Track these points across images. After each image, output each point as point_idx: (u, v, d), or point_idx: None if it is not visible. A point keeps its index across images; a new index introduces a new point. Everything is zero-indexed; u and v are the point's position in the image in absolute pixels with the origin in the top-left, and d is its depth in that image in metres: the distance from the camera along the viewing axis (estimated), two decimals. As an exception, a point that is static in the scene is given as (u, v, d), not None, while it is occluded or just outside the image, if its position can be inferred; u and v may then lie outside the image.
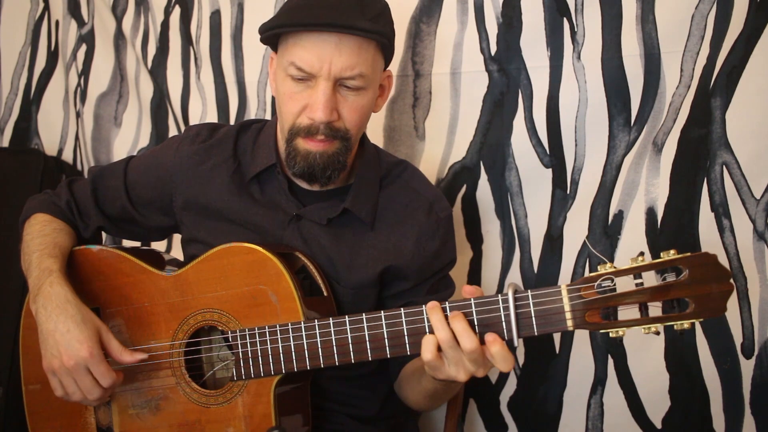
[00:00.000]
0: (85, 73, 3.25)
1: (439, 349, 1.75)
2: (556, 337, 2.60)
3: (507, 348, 1.71)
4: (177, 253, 2.53)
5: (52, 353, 1.94)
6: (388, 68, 2.15)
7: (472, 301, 1.73)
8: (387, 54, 2.08)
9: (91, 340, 1.92)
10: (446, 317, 1.74)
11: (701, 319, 1.56)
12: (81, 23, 3.26)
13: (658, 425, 2.49)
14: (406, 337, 1.81)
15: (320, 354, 1.90)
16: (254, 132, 2.25)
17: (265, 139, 2.19)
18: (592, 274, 1.63)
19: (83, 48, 3.26)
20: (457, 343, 1.72)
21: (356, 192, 2.12)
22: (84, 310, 1.96)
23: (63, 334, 1.92)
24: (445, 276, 2.24)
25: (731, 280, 1.55)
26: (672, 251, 1.56)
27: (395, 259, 2.11)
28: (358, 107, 2.02)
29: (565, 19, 2.53)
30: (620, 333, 1.62)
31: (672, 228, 2.45)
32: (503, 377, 2.68)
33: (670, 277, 1.57)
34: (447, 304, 1.77)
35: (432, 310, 1.75)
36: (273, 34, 2.00)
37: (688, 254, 1.56)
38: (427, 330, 1.78)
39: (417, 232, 2.13)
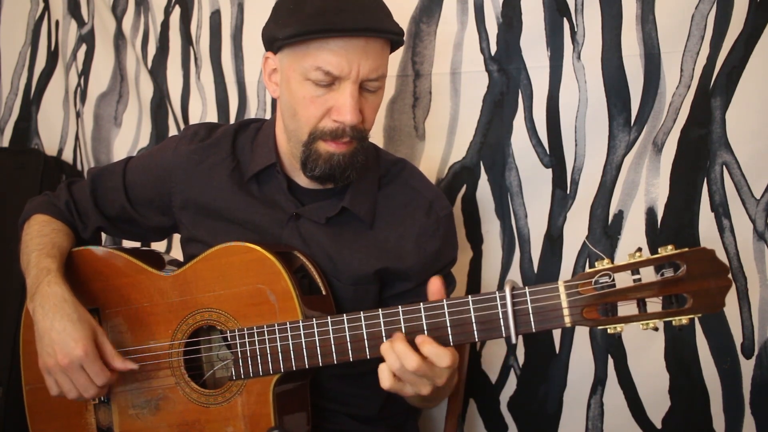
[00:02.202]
0: (85, 73, 3.26)
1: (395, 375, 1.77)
2: (556, 337, 2.60)
3: (438, 345, 1.73)
4: (177, 253, 2.53)
5: (47, 352, 1.94)
6: None
7: (470, 299, 1.74)
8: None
9: (86, 339, 1.92)
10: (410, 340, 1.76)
11: (699, 315, 1.56)
12: (81, 23, 3.27)
13: (658, 425, 2.49)
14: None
15: (318, 353, 1.90)
16: (252, 131, 2.25)
17: (264, 138, 2.19)
18: (589, 271, 1.63)
19: (83, 48, 3.27)
20: (405, 368, 1.74)
21: (355, 190, 2.12)
22: (80, 309, 1.97)
23: (59, 332, 1.92)
24: (447, 274, 2.23)
25: (729, 276, 1.55)
26: (670, 247, 1.56)
27: (396, 260, 2.11)
28: (376, 106, 2.05)
29: (565, 19, 2.53)
30: (618, 329, 1.62)
31: (672, 228, 2.44)
32: (503, 377, 2.68)
33: (668, 273, 1.57)
34: (446, 309, 1.77)
35: (383, 344, 1.78)
36: (303, 40, 1.94)
37: (686, 249, 1.56)
38: (426, 334, 1.79)
39: (417, 231, 2.13)
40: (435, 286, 1.82)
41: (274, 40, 2.00)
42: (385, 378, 1.77)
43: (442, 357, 1.72)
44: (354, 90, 1.94)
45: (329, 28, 1.90)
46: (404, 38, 2.07)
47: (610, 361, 2.53)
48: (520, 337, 1.72)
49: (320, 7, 1.92)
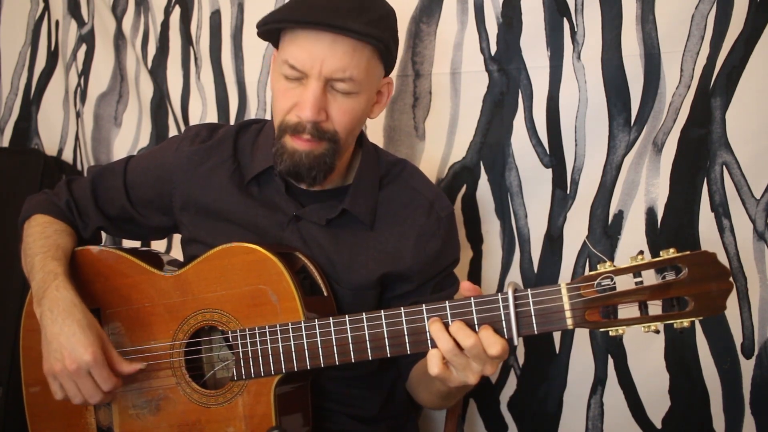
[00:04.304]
0: (85, 73, 3.26)
1: (444, 360, 1.75)
2: (556, 337, 2.60)
3: (495, 333, 1.71)
4: (177, 253, 2.53)
5: (55, 356, 1.93)
6: (389, 75, 2.13)
7: (472, 301, 1.73)
8: (386, 60, 2.06)
9: (95, 345, 1.91)
10: (446, 325, 1.75)
11: (701, 318, 1.56)
12: (81, 23, 3.27)
13: (658, 425, 2.49)
14: (406, 337, 1.80)
15: (320, 353, 1.89)
16: (253, 133, 2.24)
17: (264, 140, 2.19)
18: (591, 273, 1.63)
19: (83, 48, 3.26)
20: (459, 349, 1.72)
21: (355, 192, 2.12)
22: (89, 315, 1.97)
23: (68, 337, 1.92)
24: (450, 274, 2.23)
25: (730, 279, 1.55)
26: (671, 250, 1.56)
27: (396, 262, 2.10)
28: (348, 110, 2.00)
29: (565, 19, 2.53)
30: (620, 331, 1.62)
31: (672, 228, 2.45)
32: (503, 377, 2.68)
33: (670, 276, 1.57)
34: (448, 308, 1.76)
35: (432, 325, 1.75)
36: (267, 30, 2.00)
37: (688, 253, 1.56)
38: (428, 335, 1.78)
39: (417, 232, 2.13)
40: (466, 285, 1.79)
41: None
42: (434, 364, 1.75)
43: (492, 344, 1.69)
44: (316, 87, 1.93)
45: (291, 18, 1.93)
46: (394, 46, 2.05)
47: (610, 361, 2.53)
48: (521, 337, 1.71)
49: (299, 1, 1.96)
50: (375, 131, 2.77)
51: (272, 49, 2.09)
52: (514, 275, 2.65)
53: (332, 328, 1.88)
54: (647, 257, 1.59)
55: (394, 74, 2.69)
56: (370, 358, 1.85)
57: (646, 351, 2.48)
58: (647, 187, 2.48)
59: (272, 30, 2.01)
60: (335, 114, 1.98)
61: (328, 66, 1.92)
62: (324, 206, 2.11)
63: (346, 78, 1.94)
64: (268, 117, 2.92)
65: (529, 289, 1.69)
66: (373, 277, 2.09)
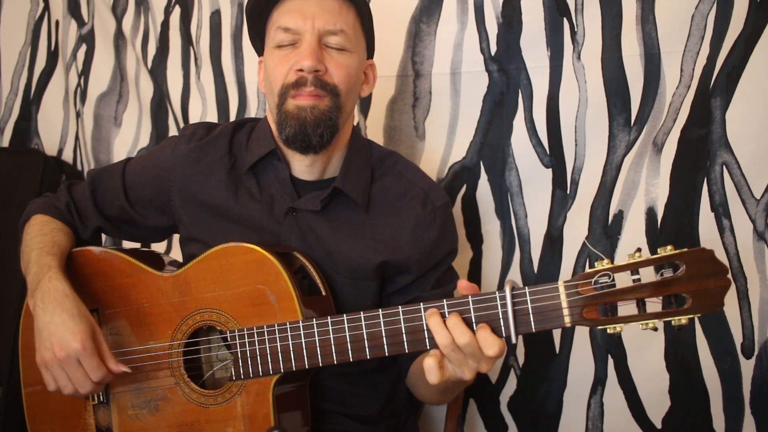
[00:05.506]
0: (85, 73, 3.25)
1: (440, 363, 1.76)
2: (557, 337, 2.60)
3: (493, 333, 1.71)
4: (177, 253, 2.53)
5: (45, 345, 1.94)
6: (371, 58, 2.24)
7: (470, 299, 1.73)
8: (368, 35, 2.19)
9: (84, 333, 1.92)
10: (443, 316, 1.75)
11: (699, 315, 1.56)
12: (81, 23, 3.26)
13: (658, 425, 2.49)
14: (404, 335, 1.80)
15: (318, 353, 1.90)
16: (248, 129, 2.27)
17: (260, 132, 2.21)
18: (589, 271, 1.63)
19: (83, 48, 3.26)
20: (457, 345, 1.72)
21: (345, 172, 2.15)
22: (81, 305, 1.97)
23: (57, 326, 1.92)
24: (449, 269, 2.24)
25: (728, 276, 1.55)
26: (669, 247, 1.56)
27: (394, 252, 2.11)
28: (343, 64, 2.08)
29: (565, 19, 2.53)
30: (617, 329, 1.62)
31: (672, 228, 2.45)
32: (503, 377, 2.68)
33: (668, 273, 1.57)
34: (446, 306, 1.76)
35: (430, 318, 1.76)
36: (259, 4, 2.11)
37: (685, 250, 1.56)
38: (426, 333, 1.78)
39: (414, 222, 2.15)
40: (463, 283, 1.80)
41: (250, 34, 2.20)
42: (433, 374, 1.75)
43: (490, 345, 1.70)
44: (312, 39, 2.05)
45: None
46: (371, 23, 2.19)
47: (610, 361, 2.53)
48: (520, 337, 1.71)
49: None
50: (375, 131, 2.77)
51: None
52: (514, 275, 2.65)
53: (330, 328, 1.88)
54: (645, 254, 1.59)
55: (393, 74, 2.72)
56: (368, 357, 1.85)
57: (646, 351, 2.48)
58: (647, 187, 2.47)
59: (264, 6, 2.12)
60: (332, 68, 2.07)
61: (319, 20, 2.05)
62: (319, 194, 2.13)
63: (337, 30, 2.07)
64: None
65: (526, 287, 1.69)
66: (371, 265, 2.10)
